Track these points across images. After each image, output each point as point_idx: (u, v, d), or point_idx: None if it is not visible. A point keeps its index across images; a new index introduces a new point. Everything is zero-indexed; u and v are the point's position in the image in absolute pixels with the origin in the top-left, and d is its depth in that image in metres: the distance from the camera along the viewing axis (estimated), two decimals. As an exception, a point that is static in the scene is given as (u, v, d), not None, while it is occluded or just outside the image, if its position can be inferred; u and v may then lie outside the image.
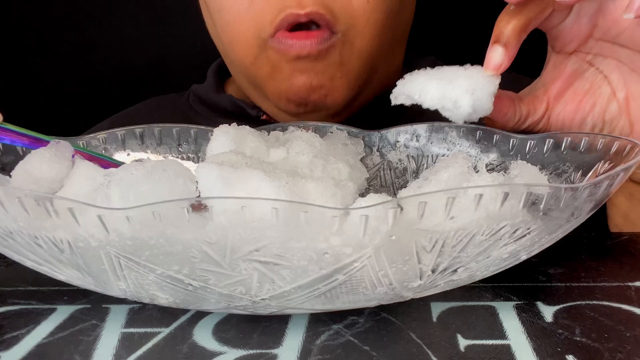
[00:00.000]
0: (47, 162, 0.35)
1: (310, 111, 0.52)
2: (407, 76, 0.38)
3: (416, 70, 0.38)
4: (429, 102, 0.37)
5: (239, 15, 0.48)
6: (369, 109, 0.57)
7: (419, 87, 0.37)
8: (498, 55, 0.36)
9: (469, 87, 0.36)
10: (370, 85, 0.54)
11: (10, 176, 0.35)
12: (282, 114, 0.54)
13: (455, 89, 0.36)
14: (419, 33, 0.60)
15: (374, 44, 0.50)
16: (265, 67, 0.50)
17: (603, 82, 0.39)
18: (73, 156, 0.36)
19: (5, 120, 0.38)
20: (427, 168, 0.43)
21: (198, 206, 0.24)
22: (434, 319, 0.30)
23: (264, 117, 0.58)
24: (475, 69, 0.37)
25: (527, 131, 0.41)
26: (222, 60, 0.67)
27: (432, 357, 0.27)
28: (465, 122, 0.37)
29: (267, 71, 0.50)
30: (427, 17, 0.65)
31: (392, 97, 0.39)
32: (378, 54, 0.51)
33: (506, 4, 0.37)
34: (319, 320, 0.30)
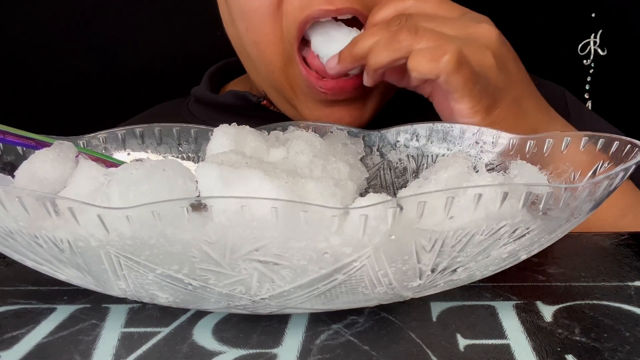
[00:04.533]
0: (51, 163, 0.35)
1: None
2: None
3: None
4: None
5: (265, 18, 0.48)
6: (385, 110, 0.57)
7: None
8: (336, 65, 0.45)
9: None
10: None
11: (12, 176, 0.35)
12: (297, 114, 0.55)
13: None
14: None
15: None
16: (299, 78, 0.50)
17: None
18: (77, 156, 0.36)
19: (4, 120, 0.38)
20: (427, 168, 0.43)
21: (198, 206, 0.25)
22: (434, 319, 0.30)
23: (265, 102, 0.58)
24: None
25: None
26: (221, 64, 0.67)
27: (432, 356, 0.27)
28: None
29: (300, 82, 0.50)
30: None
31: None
32: None
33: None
34: (318, 320, 0.30)
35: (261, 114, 0.59)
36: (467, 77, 0.40)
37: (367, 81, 0.45)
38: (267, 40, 0.49)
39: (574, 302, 0.32)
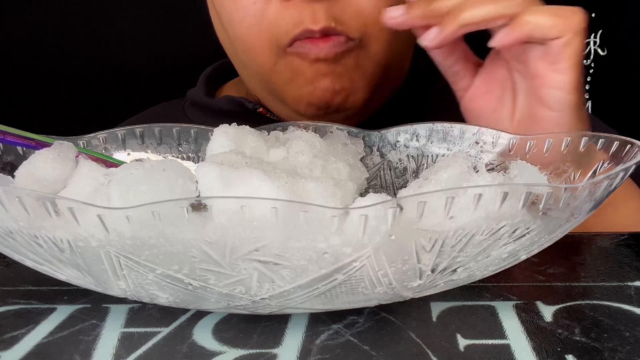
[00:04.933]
0: (51, 163, 0.35)
1: (329, 113, 0.52)
2: None
3: None
4: None
5: (251, 28, 0.49)
6: (381, 113, 0.57)
7: None
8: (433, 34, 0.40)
9: None
10: (382, 88, 0.54)
11: (12, 176, 0.35)
12: (292, 114, 0.55)
13: None
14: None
15: (388, 49, 0.51)
16: (286, 73, 0.50)
17: (508, 88, 0.44)
18: (77, 156, 0.36)
19: (4, 120, 0.38)
20: (427, 168, 0.43)
21: (198, 206, 0.25)
22: (434, 319, 0.30)
23: (261, 110, 0.58)
24: None
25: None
26: (217, 65, 0.67)
27: (432, 356, 0.27)
28: None
29: (287, 76, 0.50)
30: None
31: None
32: (392, 58, 0.52)
33: None
34: (318, 320, 0.30)
35: (257, 119, 0.59)
36: (583, 45, 0.39)
37: (436, 40, 0.41)
38: (256, 47, 0.50)
39: (574, 302, 0.32)
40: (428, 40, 0.41)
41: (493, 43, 0.40)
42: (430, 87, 0.60)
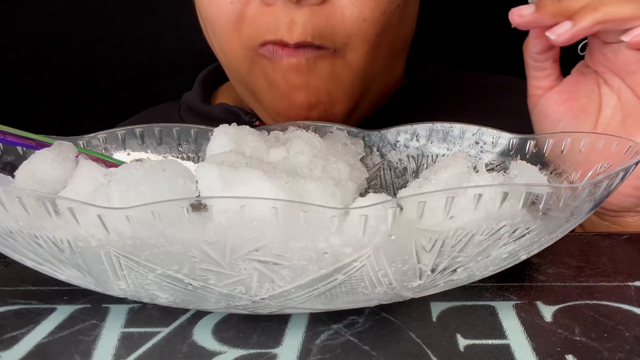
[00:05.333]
0: (51, 163, 0.35)
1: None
2: None
3: None
4: None
5: (227, 26, 0.48)
6: (369, 121, 0.56)
7: None
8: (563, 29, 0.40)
9: None
10: (366, 98, 0.53)
11: (12, 176, 0.35)
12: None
13: None
14: (423, 36, 0.60)
15: (368, 59, 0.49)
16: (261, 80, 0.49)
17: (595, 100, 0.44)
18: (77, 156, 0.36)
19: (4, 120, 0.38)
20: (427, 168, 0.43)
21: (198, 206, 0.25)
22: (434, 319, 0.30)
23: (257, 123, 0.57)
24: None
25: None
26: (213, 67, 0.66)
27: (432, 356, 0.27)
28: None
29: (264, 85, 0.49)
30: (431, 21, 0.64)
31: None
32: (373, 68, 0.50)
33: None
34: (318, 320, 0.30)
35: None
36: None
37: (567, 34, 0.39)
38: (230, 47, 0.49)
39: (574, 302, 0.32)
40: (558, 34, 0.39)
41: (627, 38, 0.39)
42: (420, 103, 0.59)
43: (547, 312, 0.31)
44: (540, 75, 0.45)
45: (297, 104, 0.48)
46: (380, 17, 0.47)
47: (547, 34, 0.40)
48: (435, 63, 0.63)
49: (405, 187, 0.40)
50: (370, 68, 0.50)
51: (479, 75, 0.65)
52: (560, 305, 0.31)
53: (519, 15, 0.41)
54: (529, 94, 0.46)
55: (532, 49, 0.44)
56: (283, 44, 0.46)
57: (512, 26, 0.41)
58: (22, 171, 0.35)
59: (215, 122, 0.59)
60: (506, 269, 0.30)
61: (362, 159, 0.44)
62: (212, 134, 0.38)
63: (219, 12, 0.47)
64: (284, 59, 0.46)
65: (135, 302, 0.32)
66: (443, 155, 0.43)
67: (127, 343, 0.29)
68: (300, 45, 0.45)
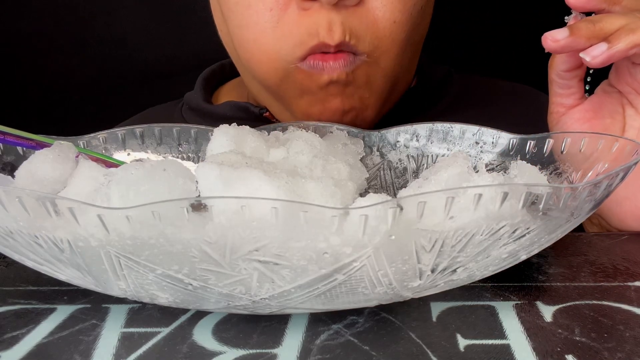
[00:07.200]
0: (51, 163, 0.35)
1: None
2: None
3: None
4: None
5: (264, 34, 0.47)
6: (377, 124, 0.56)
7: None
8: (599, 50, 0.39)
9: None
10: (388, 101, 0.53)
11: (12, 176, 0.35)
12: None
13: None
14: (431, 36, 0.59)
15: (397, 62, 0.49)
16: (293, 90, 0.49)
17: (619, 120, 0.44)
18: (77, 156, 0.36)
19: (4, 121, 0.38)
20: (427, 168, 0.43)
21: (198, 206, 0.25)
22: (434, 319, 0.30)
23: (267, 114, 0.57)
24: None
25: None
26: (215, 67, 0.65)
27: (432, 356, 0.27)
28: None
29: (295, 93, 0.49)
30: (440, 21, 0.64)
31: None
32: (400, 70, 0.51)
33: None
34: (318, 320, 0.30)
35: (261, 125, 0.58)
36: None
37: (603, 56, 0.39)
38: (261, 59, 0.48)
39: (574, 302, 0.32)
40: (593, 56, 0.39)
41: (597, 60, 0.39)
42: (428, 107, 0.59)
43: (547, 312, 0.31)
44: (564, 93, 0.44)
45: (331, 109, 0.48)
46: (409, 19, 0.47)
47: (582, 55, 0.39)
48: (447, 67, 0.62)
49: (405, 187, 0.40)
50: (398, 71, 0.50)
51: (489, 81, 0.65)
52: (560, 305, 0.31)
53: (553, 40, 0.39)
54: (550, 111, 0.45)
55: (559, 66, 0.43)
56: (324, 51, 0.45)
57: (546, 51, 0.40)
58: (22, 171, 0.35)
59: (220, 120, 0.58)
60: (506, 269, 0.30)
61: (362, 159, 0.44)
62: (212, 134, 0.38)
63: (257, 18, 0.46)
64: (325, 74, 0.46)
65: (135, 302, 0.32)
66: (443, 156, 0.43)
67: (127, 343, 0.29)
68: (340, 49, 0.45)
